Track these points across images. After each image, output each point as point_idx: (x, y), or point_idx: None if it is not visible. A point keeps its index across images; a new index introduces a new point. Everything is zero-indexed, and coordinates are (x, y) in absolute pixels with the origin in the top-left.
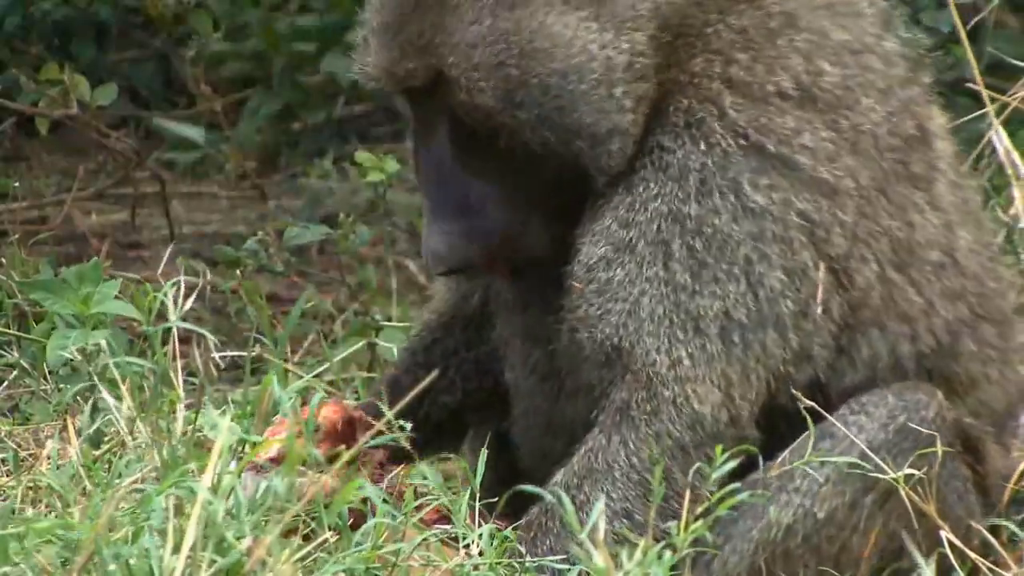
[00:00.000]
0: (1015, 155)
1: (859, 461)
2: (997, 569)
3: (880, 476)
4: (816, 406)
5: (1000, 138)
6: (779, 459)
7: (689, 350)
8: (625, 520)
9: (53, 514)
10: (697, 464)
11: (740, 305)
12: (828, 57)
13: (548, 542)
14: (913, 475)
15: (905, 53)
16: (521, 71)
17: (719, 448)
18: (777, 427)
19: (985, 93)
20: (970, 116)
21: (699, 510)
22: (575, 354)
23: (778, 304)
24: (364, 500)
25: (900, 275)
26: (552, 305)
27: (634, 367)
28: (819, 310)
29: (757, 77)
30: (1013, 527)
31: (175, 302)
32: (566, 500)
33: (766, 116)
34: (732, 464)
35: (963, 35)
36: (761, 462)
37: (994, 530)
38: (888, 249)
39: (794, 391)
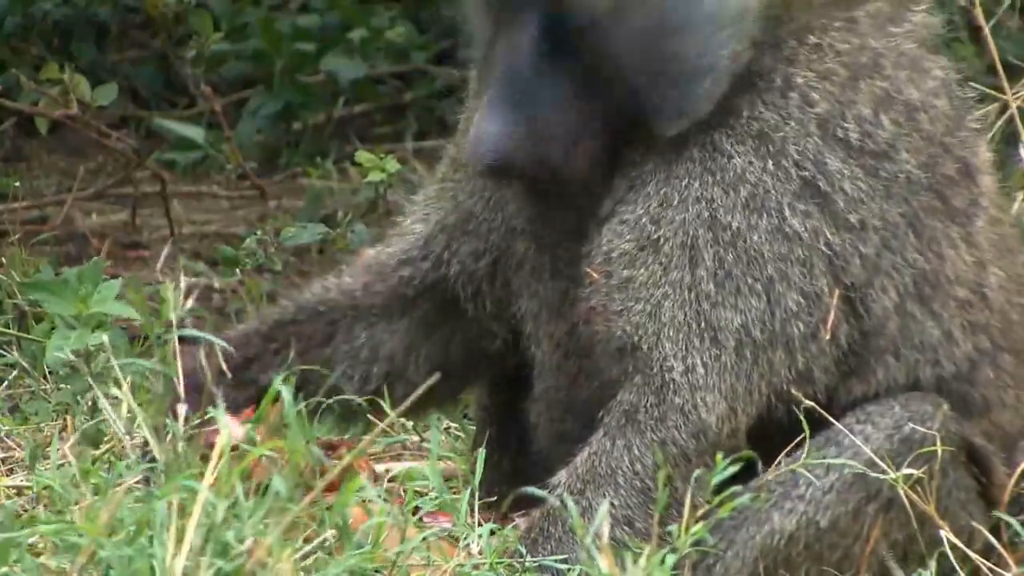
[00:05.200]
0: None
1: (863, 468)
2: (998, 569)
3: (883, 479)
4: (822, 411)
5: None
6: (782, 464)
7: (704, 359)
8: (626, 527)
9: (53, 515)
10: (698, 471)
11: (758, 321)
12: (891, 113)
13: (550, 547)
14: (912, 475)
15: (954, 111)
16: None
17: (719, 455)
18: (773, 440)
19: (1011, 98)
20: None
21: (687, 506)
22: (589, 338)
23: (791, 325)
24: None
25: (920, 307)
26: (578, 279)
27: (647, 370)
28: (826, 336)
29: (834, 118)
30: (1016, 525)
31: (175, 304)
32: (571, 505)
33: (828, 158)
34: (733, 470)
35: (986, 30)
36: (760, 469)
37: (995, 530)
38: (910, 282)
39: (799, 395)
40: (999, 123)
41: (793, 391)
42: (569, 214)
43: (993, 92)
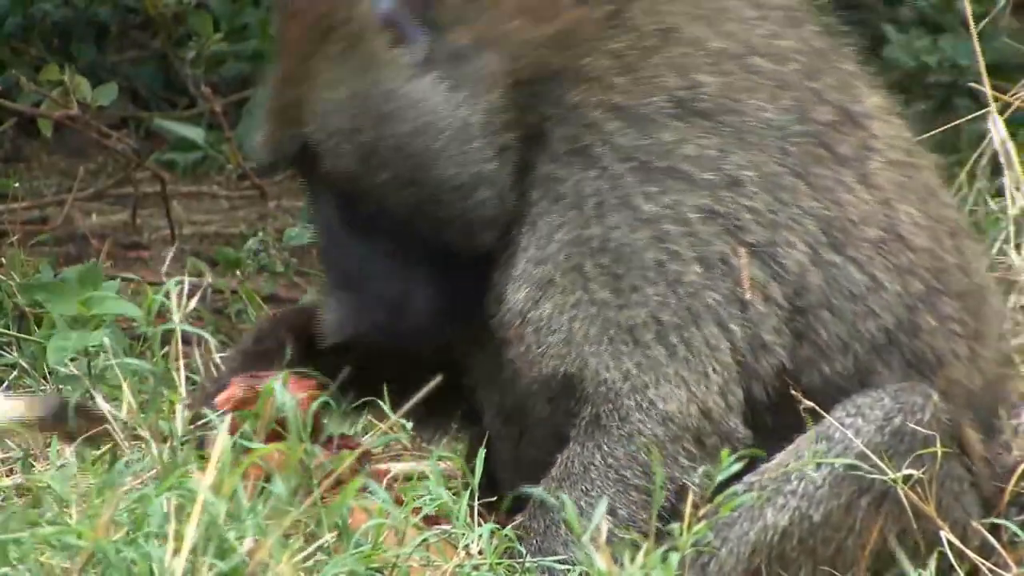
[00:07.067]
0: (1010, 144)
1: (858, 463)
2: (997, 570)
3: (876, 478)
4: (816, 407)
5: (997, 127)
6: (776, 461)
7: (635, 360)
8: (609, 516)
9: (52, 516)
10: (704, 467)
11: (664, 306)
12: (705, 68)
13: (534, 543)
14: (912, 476)
15: (811, 48)
16: (375, 134)
17: (725, 452)
18: (762, 420)
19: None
20: (970, 116)
21: (688, 505)
22: (529, 395)
23: (701, 297)
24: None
25: (839, 255)
26: (503, 345)
27: (590, 390)
28: (747, 295)
29: (635, 98)
30: (1014, 527)
31: (178, 303)
32: (568, 501)
33: (647, 136)
34: (737, 467)
35: (974, 35)
36: (765, 459)
37: (994, 530)
38: (817, 230)
39: (794, 392)
40: (992, 113)
41: (751, 361)
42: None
43: (996, 93)
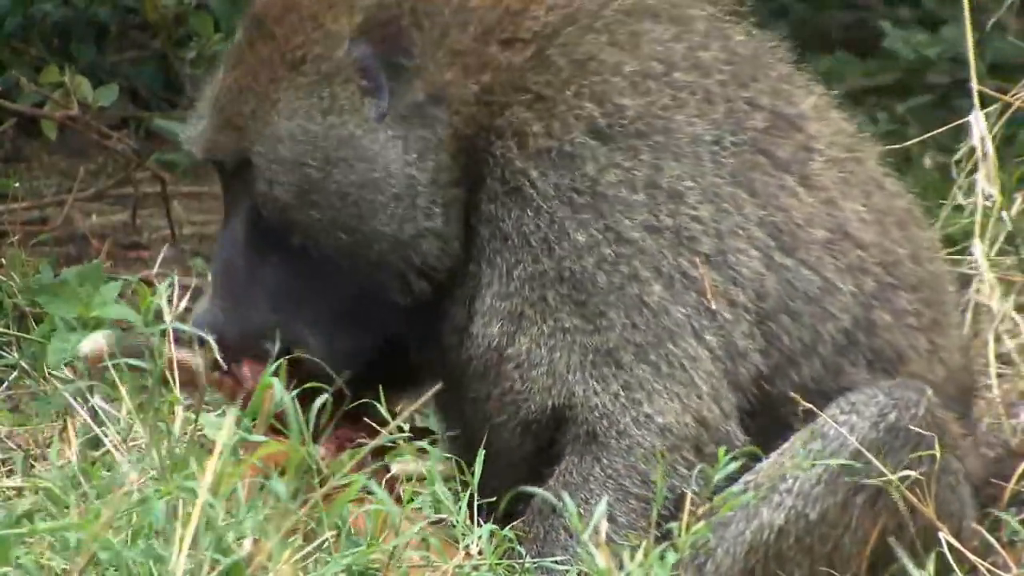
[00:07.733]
0: (988, 139)
1: (852, 463)
2: (996, 570)
3: (870, 469)
4: (813, 407)
5: (978, 121)
6: (771, 460)
7: (621, 381)
8: (609, 523)
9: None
10: (700, 466)
11: (634, 329)
12: (624, 91)
13: (534, 549)
14: (903, 475)
15: (738, 56)
16: (322, 174)
17: (722, 451)
18: (745, 427)
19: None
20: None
21: (686, 505)
22: (498, 428)
23: (669, 313)
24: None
25: (790, 259)
26: (461, 386)
27: (583, 416)
28: (712, 305)
29: (556, 138)
30: (1015, 524)
31: (171, 302)
32: (570, 502)
33: (572, 172)
34: (734, 466)
35: (969, 36)
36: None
37: (993, 528)
38: (766, 236)
39: (793, 395)
40: (999, 124)
41: (732, 368)
42: (434, 330)
43: (995, 93)
